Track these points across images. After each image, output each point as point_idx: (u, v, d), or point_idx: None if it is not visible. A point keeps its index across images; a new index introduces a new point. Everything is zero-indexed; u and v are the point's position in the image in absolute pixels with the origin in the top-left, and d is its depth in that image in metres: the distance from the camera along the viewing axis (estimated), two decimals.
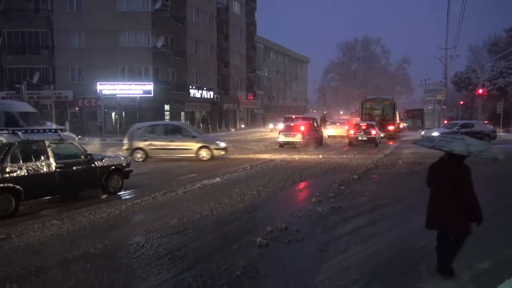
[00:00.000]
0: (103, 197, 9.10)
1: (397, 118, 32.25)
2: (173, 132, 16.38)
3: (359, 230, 6.60)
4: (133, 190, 9.84)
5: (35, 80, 32.23)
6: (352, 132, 23.50)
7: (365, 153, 18.74)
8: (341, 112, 74.53)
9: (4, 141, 7.41)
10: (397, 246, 5.87)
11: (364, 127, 23.23)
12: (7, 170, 7.20)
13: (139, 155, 15.68)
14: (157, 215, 7.53)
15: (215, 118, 42.98)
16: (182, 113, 38.18)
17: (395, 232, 6.57)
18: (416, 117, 43.33)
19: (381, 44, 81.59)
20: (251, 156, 17.64)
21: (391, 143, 25.10)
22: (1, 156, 7.21)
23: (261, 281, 4.70)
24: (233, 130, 45.61)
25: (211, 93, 41.51)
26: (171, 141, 15.85)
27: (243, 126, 50.70)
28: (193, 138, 16.14)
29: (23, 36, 33.32)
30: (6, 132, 7.83)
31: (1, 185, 7.06)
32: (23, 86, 26.89)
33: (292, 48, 75.72)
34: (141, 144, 15.74)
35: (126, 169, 9.72)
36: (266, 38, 62.50)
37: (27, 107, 15.20)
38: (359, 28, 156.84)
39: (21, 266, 5.04)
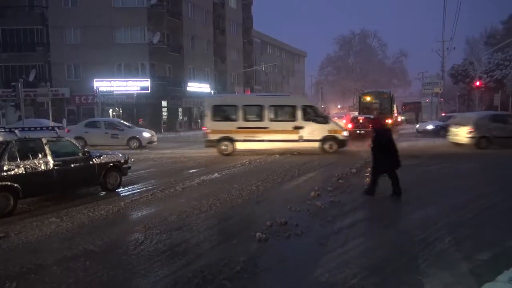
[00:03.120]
0: (101, 194, 9.09)
1: (395, 111, 32.25)
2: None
3: (358, 224, 6.62)
4: (131, 187, 9.83)
5: (31, 77, 32.03)
6: (350, 126, 23.53)
7: (363, 147, 18.73)
8: (339, 106, 74.46)
9: (1, 139, 7.38)
10: (396, 239, 5.89)
11: (362, 121, 23.27)
12: (5, 168, 7.18)
13: None
14: (156, 212, 7.53)
15: None
16: (180, 109, 38.10)
17: (394, 225, 6.60)
18: (413, 110, 43.37)
19: (378, 37, 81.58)
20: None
21: None
22: None
23: (261, 275, 4.71)
24: None
25: (208, 88, 41.41)
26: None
27: None
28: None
29: (18, 33, 33.07)
30: (3, 130, 7.81)
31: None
32: (19, 84, 26.76)
33: (289, 42, 75.62)
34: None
35: (124, 166, 9.70)
36: (262, 33, 62.29)
37: None
38: (355, 21, 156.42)
39: (20, 264, 5.03)
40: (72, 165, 8.31)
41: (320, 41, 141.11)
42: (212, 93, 42.30)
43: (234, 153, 15.81)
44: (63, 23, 32.56)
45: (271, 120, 15.77)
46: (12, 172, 7.26)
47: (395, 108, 32.58)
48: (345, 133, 16.60)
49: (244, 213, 7.39)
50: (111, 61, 32.75)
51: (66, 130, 19.81)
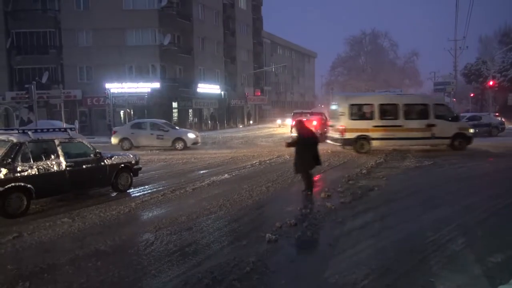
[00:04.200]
0: (113, 194, 9.17)
1: None
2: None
3: (369, 225, 6.57)
4: (142, 188, 9.89)
5: (44, 80, 32.48)
6: None
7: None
8: None
9: (15, 140, 7.48)
10: (407, 240, 5.83)
11: None
12: (18, 169, 7.28)
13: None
14: (166, 212, 7.58)
15: (223, 114, 43.01)
16: (190, 110, 38.28)
17: (405, 226, 6.53)
18: None
19: (389, 37, 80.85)
20: (259, 151, 17.62)
21: None
22: (12, 156, 7.29)
23: (271, 276, 4.71)
24: (241, 126, 45.63)
25: (219, 89, 41.53)
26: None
27: (251, 122, 50.67)
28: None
29: (31, 36, 33.56)
30: (17, 132, 7.93)
31: (13, 184, 7.15)
32: (32, 86, 27.19)
33: (299, 43, 75.46)
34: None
35: (135, 166, 9.77)
36: (272, 34, 62.26)
37: None
38: (366, 21, 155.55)
39: (33, 264, 5.10)
40: (84, 166, 8.39)
41: (331, 42, 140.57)
42: (223, 94, 42.46)
43: (370, 151, 15.95)
44: (75, 26, 32.96)
45: (405, 118, 16.05)
46: (26, 173, 7.36)
47: None
48: (471, 131, 16.86)
49: (254, 214, 7.39)
50: (122, 63, 33.05)
51: (113, 132, 20.57)
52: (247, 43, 50.34)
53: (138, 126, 20.39)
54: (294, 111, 27.38)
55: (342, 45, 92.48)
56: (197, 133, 21.66)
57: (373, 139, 15.98)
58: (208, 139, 25.06)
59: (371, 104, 16.36)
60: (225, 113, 43.84)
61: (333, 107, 17.89)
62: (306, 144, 8.66)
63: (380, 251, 5.38)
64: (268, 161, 14.38)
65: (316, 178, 11.18)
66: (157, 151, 18.87)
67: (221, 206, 7.80)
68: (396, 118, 16.02)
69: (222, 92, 42.49)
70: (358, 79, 76.52)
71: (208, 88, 39.41)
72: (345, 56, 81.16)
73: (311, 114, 25.26)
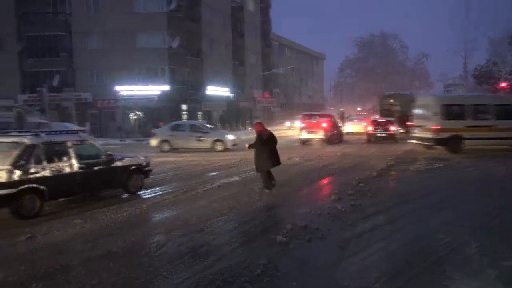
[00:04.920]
0: (124, 196, 9.23)
1: None
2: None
3: (380, 227, 6.53)
4: (153, 189, 9.95)
5: (55, 82, 32.92)
6: (370, 128, 23.31)
7: (384, 150, 18.51)
8: (358, 109, 73.74)
9: (28, 142, 7.58)
10: (419, 243, 5.78)
11: (383, 123, 23.03)
12: (32, 171, 7.37)
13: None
14: (177, 214, 7.62)
15: (231, 116, 43.09)
16: (199, 113, 38.44)
17: (417, 229, 6.47)
18: None
19: (398, 39, 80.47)
20: None
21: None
22: (26, 158, 7.38)
23: (282, 278, 4.70)
24: (250, 128, 45.62)
25: (227, 92, 41.65)
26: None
27: None
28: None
29: (42, 39, 34.02)
30: (30, 134, 8.03)
31: (26, 185, 7.24)
32: (44, 89, 27.49)
33: (307, 45, 75.39)
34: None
35: (146, 168, 9.83)
36: (281, 36, 62.30)
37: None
38: (375, 22, 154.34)
39: (46, 265, 5.16)
40: (95, 168, 8.47)
41: (339, 44, 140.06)
42: (231, 97, 42.55)
43: (463, 151, 16.04)
44: (86, 29, 33.34)
45: (497, 118, 16.22)
46: (39, 175, 7.45)
47: None
48: None
49: (264, 216, 7.40)
50: (132, 65, 33.32)
51: (152, 133, 20.60)
52: (256, 45, 50.44)
53: (177, 128, 20.37)
54: (303, 113, 27.34)
55: (351, 47, 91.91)
56: (236, 135, 21.46)
57: (466, 139, 16.09)
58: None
59: (463, 105, 16.61)
60: (234, 115, 43.92)
61: (419, 108, 18.07)
62: (265, 144, 9.33)
63: (391, 253, 5.34)
64: None
65: (326, 181, 11.17)
66: (198, 152, 18.66)
67: (231, 208, 7.82)
68: (487, 119, 16.24)
69: (231, 94, 42.59)
70: (366, 80, 76.29)
71: (217, 91, 39.56)
72: (353, 58, 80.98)
73: (321, 116, 25.21)
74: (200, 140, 19.39)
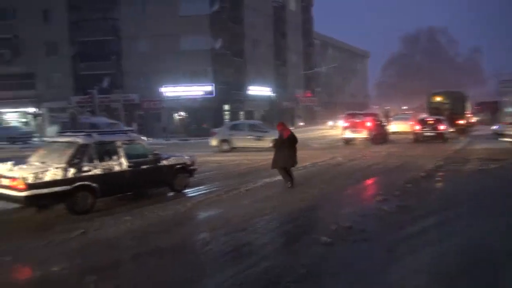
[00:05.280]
0: (169, 194, 9.47)
1: (468, 111, 30.21)
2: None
3: (429, 231, 6.28)
4: (197, 188, 10.12)
5: (105, 85, 34.50)
6: (418, 127, 22.50)
7: (433, 150, 17.80)
8: (404, 107, 71.35)
9: (81, 142, 7.98)
10: (471, 248, 5.51)
11: (431, 122, 22.15)
12: (85, 169, 7.75)
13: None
14: (220, 213, 7.72)
15: (273, 116, 43.12)
16: (241, 113, 38.80)
17: (469, 233, 6.16)
18: (488, 110, 40.22)
19: (448, 34, 76.96)
20: (311, 153, 17.44)
21: (461, 138, 23.61)
22: (79, 157, 7.77)
23: (327, 280, 4.64)
24: (292, 128, 45.46)
25: (269, 91, 41.74)
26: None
27: (301, 124, 50.36)
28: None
29: (93, 44, 35.75)
30: (83, 134, 8.45)
31: (80, 183, 7.61)
32: (94, 91, 28.96)
33: (351, 42, 73.97)
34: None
35: (191, 167, 10.03)
36: (323, 34, 61.58)
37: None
38: (423, 17, 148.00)
39: (98, 259, 5.39)
40: (143, 167, 8.75)
41: (385, 40, 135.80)
42: (273, 96, 42.62)
43: None
44: (134, 34, 34.65)
45: None
46: (91, 173, 7.82)
47: (468, 108, 30.47)
48: None
49: (308, 216, 7.34)
50: (176, 67, 34.23)
51: (212, 133, 20.83)
52: (298, 45, 50.19)
53: (236, 127, 20.50)
54: (346, 112, 26.83)
55: (397, 43, 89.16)
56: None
57: None
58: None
59: None
60: (275, 115, 43.92)
61: None
62: (284, 143, 9.81)
63: (442, 258, 5.12)
64: (320, 163, 14.22)
65: (370, 181, 10.90)
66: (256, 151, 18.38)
67: (274, 207, 7.81)
68: None
69: (273, 94, 42.64)
70: (412, 78, 73.50)
71: (259, 90, 39.77)
72: (399, 55, 78.36)
73: (364, 115, 24.62)
74: (259, 139, 19.16)
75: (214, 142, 19.94)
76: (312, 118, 54.99)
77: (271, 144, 18.75)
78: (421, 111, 43.69)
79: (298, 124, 49.84)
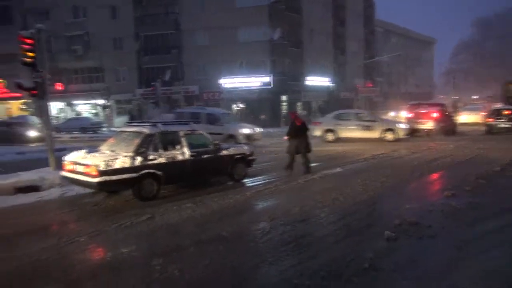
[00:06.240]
0: (229, 183, 9.65)
1: None
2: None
3: (504, 229, 5.85)
4: (256, 178, 10.24)
5: (167, 77, 35.86)
6: (491, 118, 20.96)
7: (508, 142, 16.50)
8: (475, 97, 66.62)
9: (148, 132, 8.36)
10: None
11: (507, 113, 20.53)
12: (150, 157, 8.12)
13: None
14: (279, 203, 7.74)
15: (331, 107, 42.28)
16: (299, 103, 38.46)
17: None
18: None
19: None
20: (372, 145, 16.90)
21: None
22: (145, 146, 8.16)
23: (391, 275, 4.48)
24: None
25: (327, 82, 40.94)
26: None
27: None
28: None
29: (156, 38, 37.24)
30: (149, 124, 8.85)
31: (146, 171, 8.00)
32: (157, 83, 30.23)
33: (416, 29, 70.17)
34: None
35: (250, 158, 10.16)
36: (386, 21, 59.02)
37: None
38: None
39: (164, 243, 5.65)
40: (204, 156, 9.01)
41: (454, 26, 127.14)
42: (331, 87, 41.76)
43: None
44: (193, 27, 35.55)
45: None
46: (156, 161, 8.18)
47: None
48: None
49: (369, 210, 7.12)
50: (234, 59, 34.63)
51: (317, 123, 20.44)
52: (358, 33, 48.55)
53: (340, 117, 19.75)
54: (410, 103, 25.62)
55: (466, 28, 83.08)
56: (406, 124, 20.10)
57: None
58: None
59: None
60: (333, 106, 43.02)
61: None
62: (297, 131, 10.64)
63: None
64: (381, 156, 13.74)
65: (437, 175, 10.36)
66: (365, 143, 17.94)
67: (334, 199, 7.68)
68: None
69: (331, 84, 41.76)
70: (485, 66, 68.27)
71: (317, 81, 39.09)
72: (469, 41, 73.07)
73: (430, 105, 23.32)
74: (368, 129, 18.52)
75: (318, 132, 19.22)
76: (372, 109, 53.08)
77: (384, 135, 18.13)
78: (493, 101, 40.64)
79: None
